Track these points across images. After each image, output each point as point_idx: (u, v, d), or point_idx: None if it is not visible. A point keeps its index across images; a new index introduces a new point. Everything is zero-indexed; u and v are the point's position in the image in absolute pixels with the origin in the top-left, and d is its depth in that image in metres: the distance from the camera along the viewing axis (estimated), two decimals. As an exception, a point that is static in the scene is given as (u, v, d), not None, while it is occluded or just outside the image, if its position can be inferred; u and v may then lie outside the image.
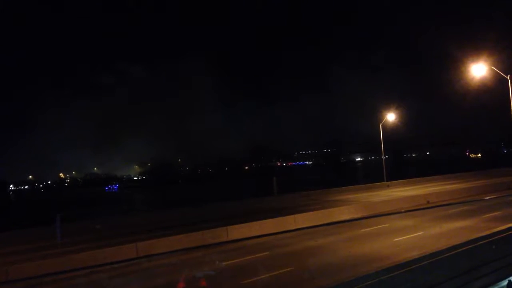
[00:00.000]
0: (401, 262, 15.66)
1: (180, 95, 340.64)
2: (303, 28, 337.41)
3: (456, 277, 16.40)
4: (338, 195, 44.09)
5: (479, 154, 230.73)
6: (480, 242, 18.62)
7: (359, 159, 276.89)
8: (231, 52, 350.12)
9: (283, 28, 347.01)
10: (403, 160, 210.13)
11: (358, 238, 22.88)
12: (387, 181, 54.58)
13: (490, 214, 27.81)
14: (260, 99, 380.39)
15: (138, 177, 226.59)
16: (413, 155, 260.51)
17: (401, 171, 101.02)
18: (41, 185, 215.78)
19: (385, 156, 62.06)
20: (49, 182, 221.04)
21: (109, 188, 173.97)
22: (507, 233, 20.18)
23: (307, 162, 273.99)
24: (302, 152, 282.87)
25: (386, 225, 26.37)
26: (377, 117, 58.54)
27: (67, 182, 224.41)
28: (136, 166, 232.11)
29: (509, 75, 37.21)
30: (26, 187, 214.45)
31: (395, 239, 21.61)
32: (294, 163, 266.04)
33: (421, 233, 23.01)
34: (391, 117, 56.51)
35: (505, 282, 17.29)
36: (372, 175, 77.47)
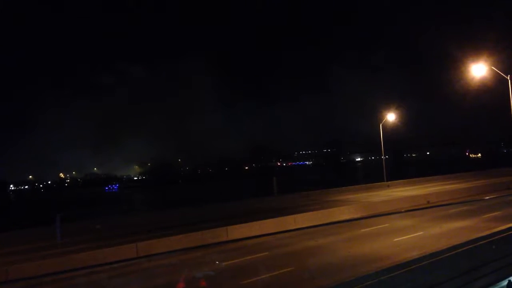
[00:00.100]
0: (401, 262, 15.65)
1: (180, 95, 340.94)
2: (303, 28, 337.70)
3: (456, 277, 16.39)
4: (338, 195, 44.08)
5: (479, 154, 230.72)
6: (480, 242, 18.62)
7: (359, 159, 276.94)
8: (231, 52, 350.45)
9: (283, 28, 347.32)
10: (403, 160, 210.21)
11: (358, 238, 22.88)
12: (387, 181, 54.58)
13: (490, 214, 27.81)
14: (260, 99, 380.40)
15: (138, 177, 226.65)
16: (413, 155, 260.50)
17: (401, 171, 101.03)
18: (41, 185, 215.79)
19: (385, 156, 62.09)
20: (49, 182, 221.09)
21: (109, 188, 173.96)
22: (507, 233, 20.18)
23: (307, 162, 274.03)
24: (302, 152, 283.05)
25: (386, 225, 26.37)
26: (377, 117, 58.63)
27: (67, 182, 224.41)
28: (136, 166, 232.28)
29: (509, 75, 37.21)
30: (26, 187, 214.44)
31: (395, 239, 21.61)
32: (294, 163, 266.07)
33: (421, 233, 23.00)
34: (391, 117, 56.56)
35: (505, 282, 17.29)
36: (372, 175, 77.48)
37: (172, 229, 26.26)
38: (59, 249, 22.78)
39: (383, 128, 57.20)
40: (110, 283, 17.51)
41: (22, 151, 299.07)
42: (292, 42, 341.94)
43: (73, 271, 18.99)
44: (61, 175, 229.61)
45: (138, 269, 19.36)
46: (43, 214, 52.60)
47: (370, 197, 39.16)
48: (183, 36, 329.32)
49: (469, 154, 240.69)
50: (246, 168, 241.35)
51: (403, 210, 32.16)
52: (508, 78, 37.17)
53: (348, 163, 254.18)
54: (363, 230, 25.04)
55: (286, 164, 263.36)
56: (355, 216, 29.96)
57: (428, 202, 35.36)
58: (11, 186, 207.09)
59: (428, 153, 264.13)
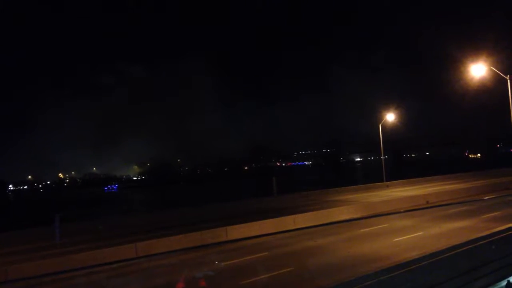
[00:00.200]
0: (401, 262, 15.65)
1: (180, 95, 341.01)
2: (303, 28, 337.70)
3: (455, 277, 16.39)
4: (337, 195, 44.09)
5: (479, 154, 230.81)
6: (479, 242, 18.62)
7: (358, 159, 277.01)
8: (231, 52, 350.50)
9: (283, 28, 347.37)
10: (403, 160, 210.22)
11: (357, 238, 22.88)
12: (386, 181, 54.62)
13: (490, 214, 27.83)
14: (260, 99, 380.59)
15: (137, 177, 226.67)
16: (413, 155, 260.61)
17: (401, 171, 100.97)
18: (40, 185, 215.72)
19: (384, 156, 62.11)
20: (48, 182, 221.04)
21: (108, 188, 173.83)
22: (506, 233, 20.17)
23: (306, 162, 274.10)
24: (302, 152, 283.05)
25: (386, 225, 26.38)
26: (376, 117, 58.64)
27: (66, 182, 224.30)
28: (136, 166, 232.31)
29: (508, 75, 37.25)
30: (25, 187, 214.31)
31: (395, 239, 21.61)
32: (293, 163, 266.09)
33: (421, 233, 23.01)
34: (390, 117, 56.59)
35: (504, 282, 17.30)
36: (371, 175, 77.51)
37: (172, 229, 26.25)
38: (59, 249, 22.76)
39: (382, 128, 57.25)
40: (110, 283, 17.51)
41: (21, 151, 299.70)
42: (292, 42, 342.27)
43: (72, 271, 18.99)
44: (60, 175, 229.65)
45: (138, 269, 19.35)
46: (42, 214, 52.52)
47: (370, 197, 39.17)
48: (183, 36, 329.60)
49: (468, 154, 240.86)
50: (246, 168, 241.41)
51: (402, 210, 32.18)
52: (508, 78, 37.21)
53: (348, 163, 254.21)
54: (362, 230, 25.05)
55: (285, 164, 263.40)
56: (355, 216, 29.97)
57: (428, 202, 35.38)
58: (10, 186, 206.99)
59: (427, 153, 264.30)
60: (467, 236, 19.72)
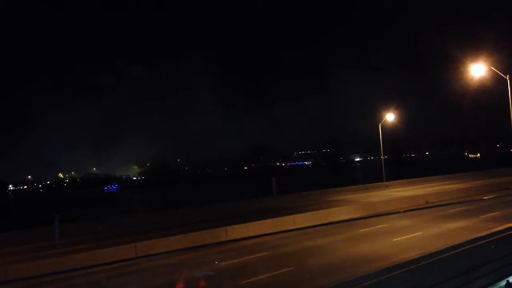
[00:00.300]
0: (400, 262, 15.66)
1: (180, 95, 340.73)
2: (303, 28, 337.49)
3: (455, 277, 16.40)
4: (337, 195, 44.12)
5: (478, 154, 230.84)
6: (479, 242, 18.63)
7: (358, 159, 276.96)
8: (231, 52, 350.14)
9: (283, 28, 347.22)
10: (402, 160, 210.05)
11: (357, 238, 22.90)
12: (386, 181, 54.65)
13: (489, 214, 27.85)
14: (260, 99, 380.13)
15: (137, 177, 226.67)
16: (412, 155, 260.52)
17: (400, 171, 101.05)
18: (40, 185, 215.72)
19: (384, 156, 62.17)
20: (48, 182, 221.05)
21: (108, 188, 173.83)
22: (506, 233, 20.18)
23: (306, 162, 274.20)
24: (302, 152, 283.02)
25: (385, 225, 26.40)
26: (376, 117, 58.68)
27: (66, 182, 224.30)
28: (135, 166, 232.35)
29: (508, 75, 37.28)
30: (25, 187, 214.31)
31: (394, 239, 21.64)
32: (293, 163, 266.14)
33: (420, 233, 23.04)
34: (390, 117, 56.63)
35: (504, 282, 17.31)
36: (371, 175, 77.50)
37: (171, 229, 26.26)
38: (58, 249, 22.78)
39: (382, 128, 57.30)
40: (109, 283, 17.52)
41: (21, 151, 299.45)
42: (292, 42, 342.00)
43: (72, 271, 19.00)
44: (60, 175, 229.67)
45: (137, 269, 19.37)
46: (42, 214, 52.52)
47: (369, 197, 39.20)
48: (183, 36, 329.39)
49: (468, 154, 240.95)
50: (246, 168, 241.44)
51: (402, 210, 32.21)
52: (507, 78, 37.24)
53: (348, 163, 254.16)
54: (362, 230, 25.07)
55: (285, 164, 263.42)
56: (354, 216, 30.00)
57: (427, 202, 35.41)
58: (10, 186, 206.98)
59: (427, 153, 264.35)
60: (466, 236, 19.73)
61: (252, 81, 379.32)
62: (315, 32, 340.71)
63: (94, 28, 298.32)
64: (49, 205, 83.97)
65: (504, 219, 24.89)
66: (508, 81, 37.13)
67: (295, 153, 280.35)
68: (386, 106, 58.12)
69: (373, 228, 25.55)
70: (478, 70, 38.38)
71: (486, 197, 37.05)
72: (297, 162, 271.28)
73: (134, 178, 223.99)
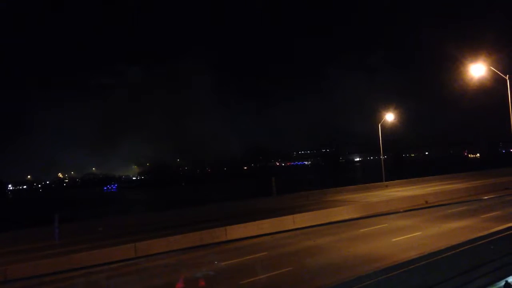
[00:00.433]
0: (400, 262, 15.66)
1: (179, 96, 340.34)
2: (303, 28, 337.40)
3: (454, 277, 16.41)
4: (336, 195, 44.12)
5: (478, 154, 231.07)
6: (478, 242, 18.63)
7: (357, 159, 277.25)
8: (231, 52, 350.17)
9: (283, 29, 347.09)
10: (402, 160, 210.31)
11: (356, 238, 22.90)
12: (385, 181, 54.61)
13: (489, 214, 27.85)
14: (260, 99, 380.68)
15: (137, 177, 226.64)
16: (412, 155, 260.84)
17: (400, 171, 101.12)
18: (39, 185, 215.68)
19: (383, 156, 62.15)
20: (47, 182, 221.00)
21: (107, 188, 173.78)
22: (505, 233, 20.19)
23: (306, 162, 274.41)
24: (301, 152, 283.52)
25: (385, 225, 26.40)
26: (376, 118, 58.68)
27: (65, 182, 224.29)
28: (135, 166, 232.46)
29: (507, 75, 37.27)
30: (25, 187, 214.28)
31: (394, 239, 21.64)
32: (293, 163, 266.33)
33: (420, 233, 23.03)
34: (390, 117, 56.59)
35: (503, 282, 17.32)
36: (370, 175, 77.55)
37: (171, 229, 26.26)
38: (58, 249, 22.78)
39: (382, 128, 57.29)
40: (109, 283, 17.50)
41: (21, 151, 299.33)
42: (292, 43, 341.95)
43: (71, 271, 19.00)
44: (60, 175, 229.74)
45: (137, 269, 19.34)
46: (42, 214, 52.50)
47: (369, 197, 39.21)
48: (183, 36, 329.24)
49: (467, 154, 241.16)
50: (245, 168, 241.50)
51: (401, 210, 32.20)
52: (507, 78, 37.23)
53: (347, 163, 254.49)
54: (361, 230, 25.07)
55: (285, 164, 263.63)
56: (354, 216, 29.99)
57: (427, 202, 35.40)
58: (10, 186, 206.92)
59: (426, 153, 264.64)
60: (466, 236, 19.73)
61: (252, 81, 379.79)
62: (315, 32, 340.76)
63: (94, 28, 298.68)
64: (49, 205, 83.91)
65: (503, 219, 24.90)
66: (508, 81, 37.13)
67: (294, 153, 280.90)
68: (386, 106, 58.17)
69: (372, 228, 25.54)
70: (477, 70, 38.36)
71: (485, 197, 37.05)
72: (296, 162, 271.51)
73: (133, 178, 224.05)
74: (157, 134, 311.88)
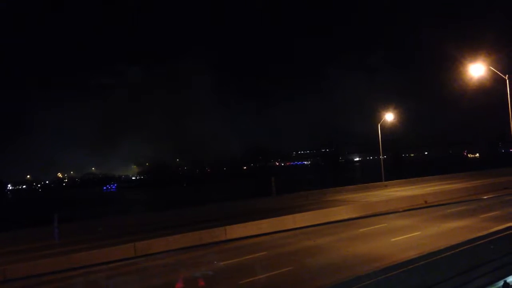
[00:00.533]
0: (399, 262, 15.68)
1: (179, 96, 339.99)
2: (303, 28, 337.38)
3: (453, 277, 16.42)
4: (336, 195, 44.12)
5: (477, 154, 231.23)
6: (478, 242, 18.64)
7: (357, 159, 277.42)
8: (231, 52, 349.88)
9: (283, 28, 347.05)
10: (401, 160, 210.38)
11: (356, 238, 22.91)
12: (385, 181, 54.62)
13: (488, 214, 27.87)
14: (260, 99, 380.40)
15: (136, 177, 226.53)
16: (411, 155, 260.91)
17: (399, 171, 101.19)
18: (39, 185, 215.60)
19: (383, 156, 62.13)
20: (47, 182, 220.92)
21: (107, 188, 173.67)
22: (504, 233, 20.20)
23: (305, 162, 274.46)
24: (301, 152, 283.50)
25: (384, 225, 26.41)
26: (375, 118, 58.66)
27: (65, 182, 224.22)
28: (135, 166, 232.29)
29: (507, 75, 37.27)
30: (24, 186, 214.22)
31: (393, 239, 21.65)
32: (292, 163, 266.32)
33: (419, 233, 23.04)
34: (389, 117, 56.55)
35: (502, 283, 17.32)
36: (370, 175, 77.54)
37: (171, 229, 26.25)
38: (57, 249, 22.78)
39: (381, 128, 57.25)
40: (108, 282, 17.50)
41: (20, 151, 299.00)
42: (292, 43, 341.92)
43: (71, 270, 18.99)
44: (59, 175, 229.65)
45: (136, 269, 19.34)
46: (41, 214, 52.48)
47: (368, 197, 39.22)
48: (183, 36, 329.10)
49: (467, 154, 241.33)
50: (245, 168, 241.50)
51: (401, 210, 32.21)
52: (507, 78, 37.24)
53: (347, 163, 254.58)
54: (361, 230, 25.08)
55: (284, 164, 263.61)
56: (353, 216, 30.01)
57: (426, 202, 35.41)
58: (9, 185, 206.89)
59: (426, 153, 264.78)
60: (465, 236, 19.75)
61: (252, 81, 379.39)
62: (315, 32, 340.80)
63: (94, 28, 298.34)
64: (48, 205, 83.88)
65: (503, 219, 24.91)
66: (507, 81, 37.14)
67: (294, 153, 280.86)
68: (385, 106, 58.14)
69: (372, 227, 25.56)
70: (477, 70, 38.35)
71: (485, 197, 37.07)
72: (296, 162, 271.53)
73: (133, 178, 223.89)
74: (157, 134, 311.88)
